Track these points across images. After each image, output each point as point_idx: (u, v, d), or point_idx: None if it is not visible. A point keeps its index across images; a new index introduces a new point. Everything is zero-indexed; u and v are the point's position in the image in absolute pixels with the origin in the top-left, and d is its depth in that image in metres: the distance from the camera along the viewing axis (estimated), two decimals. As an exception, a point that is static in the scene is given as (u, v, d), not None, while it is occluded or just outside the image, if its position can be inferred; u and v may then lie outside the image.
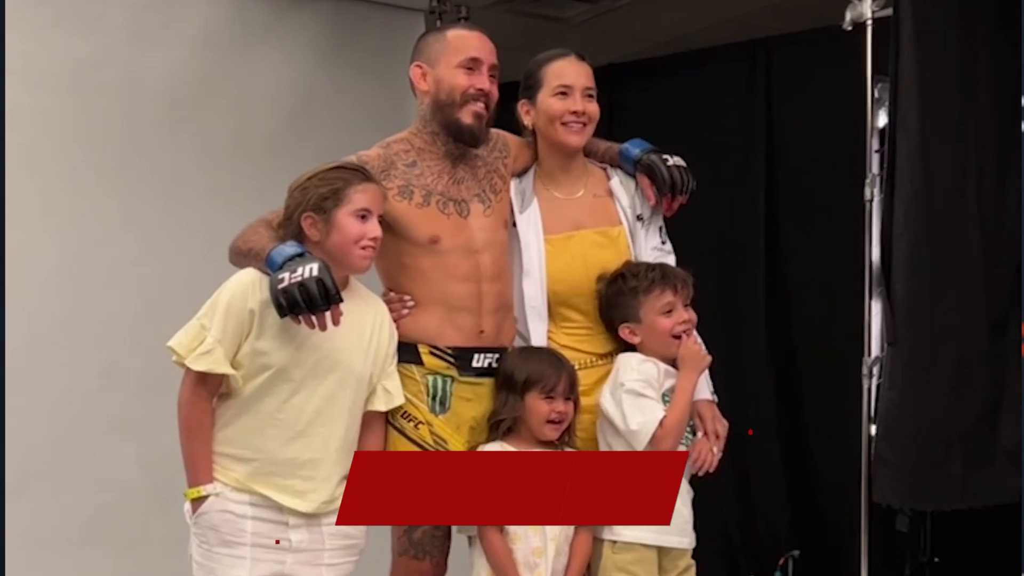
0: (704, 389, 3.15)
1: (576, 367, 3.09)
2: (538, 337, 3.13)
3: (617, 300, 3.10)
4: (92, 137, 4.54)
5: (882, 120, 4.17)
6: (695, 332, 3.16)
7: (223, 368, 2.74)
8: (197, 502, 2.77)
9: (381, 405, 2.91)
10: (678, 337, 3.08)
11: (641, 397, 3.01)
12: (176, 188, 4.67)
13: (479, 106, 3.05)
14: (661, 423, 2.98)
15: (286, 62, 4.95)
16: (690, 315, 3.11)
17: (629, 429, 2.99)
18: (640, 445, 2.99)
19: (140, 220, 4.61)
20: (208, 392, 2.78)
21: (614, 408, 3.02)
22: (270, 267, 2.72)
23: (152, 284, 4.51)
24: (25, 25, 4.32)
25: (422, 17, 5.11)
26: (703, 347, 3.11)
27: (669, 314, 3.07)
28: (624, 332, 3.10)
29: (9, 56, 4.11)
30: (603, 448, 3.11)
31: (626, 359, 3.09)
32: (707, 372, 3.15)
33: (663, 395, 3.06)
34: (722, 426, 3.11)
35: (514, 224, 3.16)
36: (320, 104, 4.96)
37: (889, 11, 4.00)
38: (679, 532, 3.07)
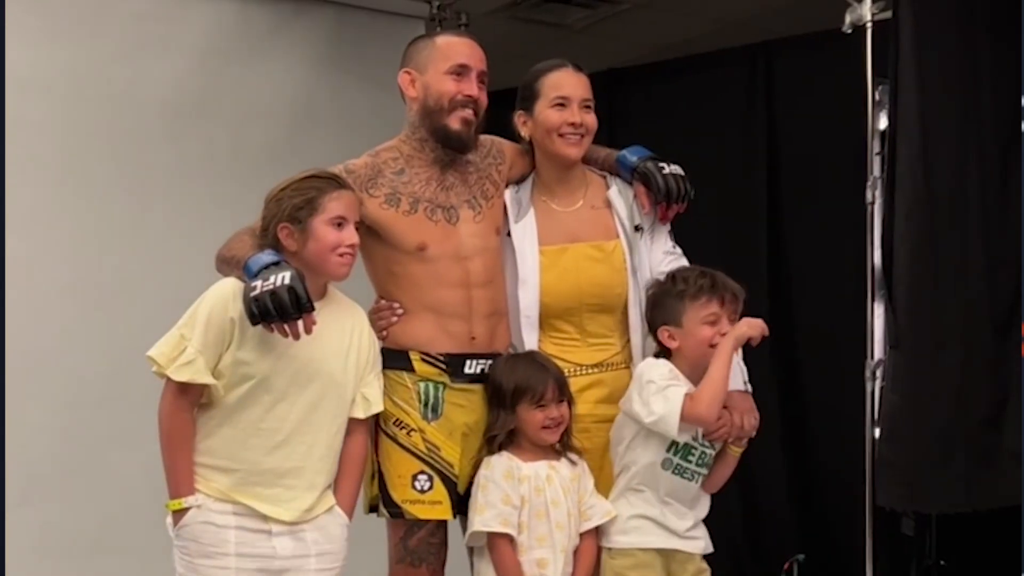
0: (735, 377, 3.05)
1: None
2: (530, 346, 3.12)
3: (662, 301, 3.03)
4: (94, 147, 4.55)
5: (883, 123, 4.16)
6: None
7: (205, 378, 2.73)
8: (178, 514, 2.76)
9: (359, 412, 2.90)
10: (715, 346, 2.97)
11: (666, 388, 2.92)
12: (178, 197, 4.68)
13: (467, 112, 3.04)
14: (689, 395, 2.89)
15: (287, 70, 4.96)
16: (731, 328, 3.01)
17: (654, 417, 2.90)
18: (673, 429, 2.90)
19: (143, 229, 4.62)
20: (189, 402, 2.77)
21: (641, 406, 2.94)
22: (246, 275, 2.73)
23: (155, 293, 4.51)
24: (27, 36, 4.34)
25: (423, 25, 5.11)
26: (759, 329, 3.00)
27: (713, 324, 2.99)
28: (663, 335, 3.02)
29: (11, 67, 4.13)
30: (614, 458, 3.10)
31: (648, 362, 3.02)
32: (741, 361, 3.09)
33: None
34: (748, 419, 3.04)
35: (508, 233, 3.15)
36: (321, 112, 4.97)
37: (889, 13, 3.99)
38: (680, 536, 3.05)
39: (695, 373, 3.00)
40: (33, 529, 4.24)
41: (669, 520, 3.04)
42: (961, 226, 3.89)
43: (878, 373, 4.11)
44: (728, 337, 2.96)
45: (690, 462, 3.04)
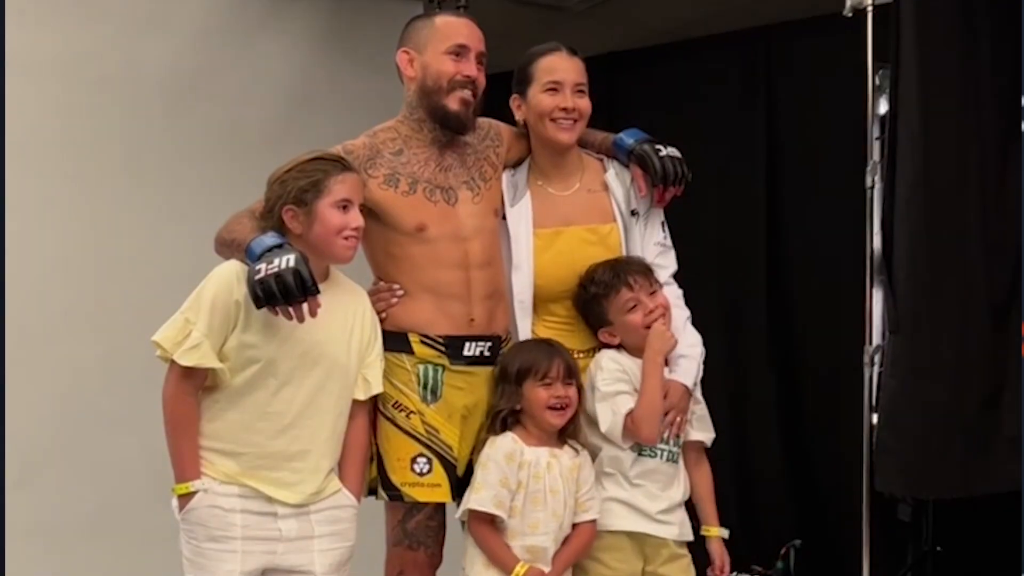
0: (680, 370, 3.10)
1: None
2: (524, 332, 3.13)
3: (587, 310, 3.12)
4: (90, 128, 4.54)
5: (883, 107, 4.15)
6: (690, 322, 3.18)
7: (211, 362, 2.72)
8: (185, 498, 2.75)
9: (360, 394, 2.90)
10: (649, 327, 3.07)
11: (611, 396, 3.02)
12: (175, 179, 4.67)
13: (466, 93, 3.04)
14: (630, 414, 2.99)
15: (284, 52, 4.95)
16: (657, 302, 3.09)
17: (604, 428, 3.02)
18: (619, 442, 3.03)
19: (139, 211, 4.61)
20: (194, 386, 2.76)
21: (593, 412, 3.05)
22: (249, 258, 2.72)
23: (152, 275, 4.51)
24: (23, 16, 4.31)
25: (421, 7, 5.09)
26: (669, 330, 3.09)
27: (635, 309, 3.07)
28: (604, 337, 3.12)
29: (8, 47, 4.10)
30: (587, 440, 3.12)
31: (597, 359, 3.10)
32: (698, 362, 3.13)
33: None
34: (666, 406, 3.05)
35: (504, 216, 3.15)
36: (318, 95, 4.96)
37: (890, -3, 3.99)
38: (650, 519, 3.05)
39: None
40: (30, 512, 4.23)
41: (639, 502, 3.05)
42: (960, 211, 3.88)
43: (876, 359, 4.11)
44: (652, 354, 3.03)
45: None
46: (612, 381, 3.04)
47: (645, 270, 3.13)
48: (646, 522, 3.05)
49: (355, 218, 2.80)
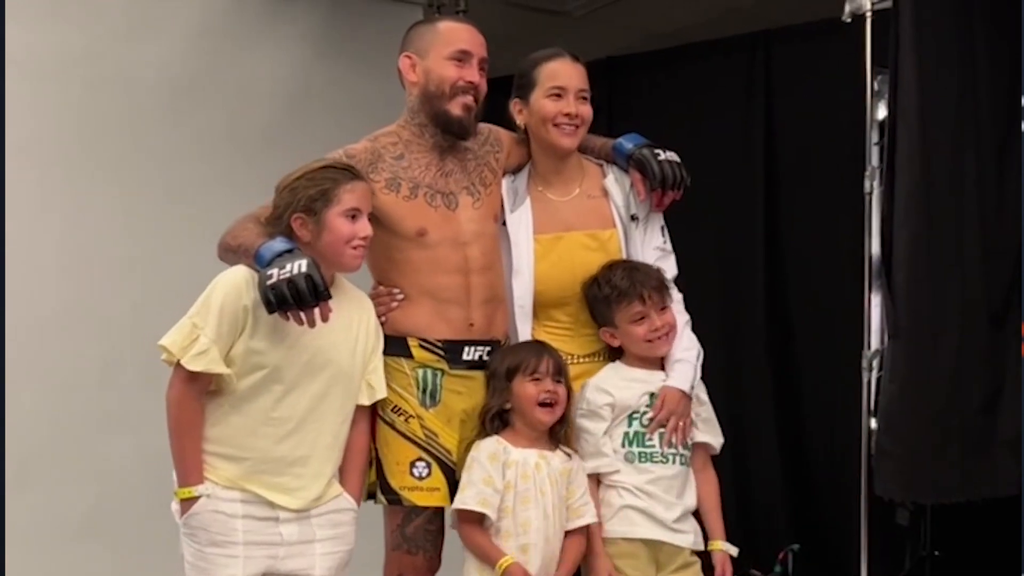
0: (676, 375, 3.10)
1: None
2: (524, 336, 3.13)
3: (595, 306, 3.12)
4: (90, 129, 4.54)
5: (881, 112, 4.16)
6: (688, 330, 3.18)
7: (219, 368, 2.72)
8: (187, 502, 2.75)
9: (364, 399, 2.90)
10: (651, 341, 3.08)
11: (584, 432, 3.07)
12: (174, 180, 4.67)
13: (468, 98, 3.04)
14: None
15: (283, 54, 4.95)
16: (664, 320, 3.10)
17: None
18: None
19: (138, 212, 4.61)
20: (199, 391, 2.75)
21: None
22: (259, 263, 2.71)
23: (150, 276, 4.52)
24: (23, 17, 4.31)
25: (420, 10, 5.10)
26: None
27: (641, 322, 3.08)
28: (605, 336, 3.13)
29: (8, 47, 4.10)
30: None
31: (594, 379, 3.10)
32: (695, 365, 3.14)
33: (631, 414, 3.06)
34: (666, 413, 3.06)
35: (504, 222, 3.15)
36: (317, 96, 4.97)
37: (888, 3, 3.99)
38: (667, 527, 3.05)
39: (644, 363, 3.12)
40: (28, 513, 4.23)
41: (656, 511, 3.05)
42: (959, 215, 3.89)
43: (875, 363, 4.11)
44: None
45: (653, 445, 3.07)
46: (588, 415, 3.07)
47: (661, 286, 3.12)
48: (663, 531, 3.05)
49: (363, 227, 2.80)
